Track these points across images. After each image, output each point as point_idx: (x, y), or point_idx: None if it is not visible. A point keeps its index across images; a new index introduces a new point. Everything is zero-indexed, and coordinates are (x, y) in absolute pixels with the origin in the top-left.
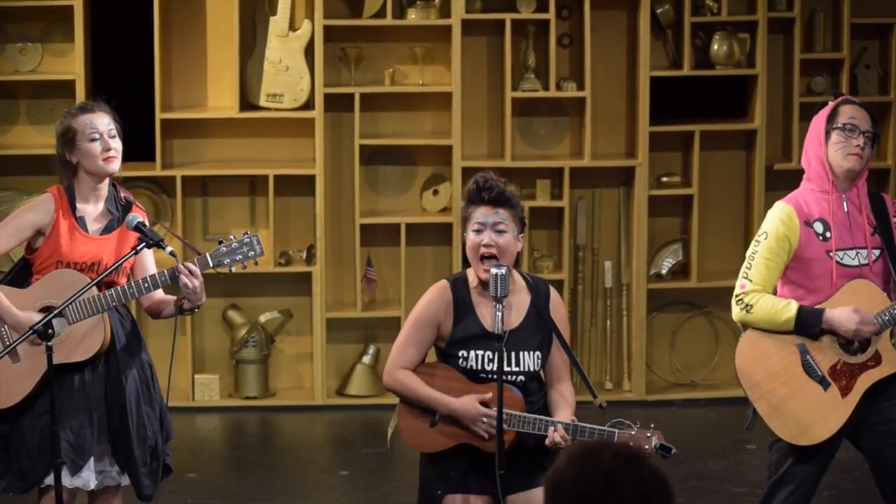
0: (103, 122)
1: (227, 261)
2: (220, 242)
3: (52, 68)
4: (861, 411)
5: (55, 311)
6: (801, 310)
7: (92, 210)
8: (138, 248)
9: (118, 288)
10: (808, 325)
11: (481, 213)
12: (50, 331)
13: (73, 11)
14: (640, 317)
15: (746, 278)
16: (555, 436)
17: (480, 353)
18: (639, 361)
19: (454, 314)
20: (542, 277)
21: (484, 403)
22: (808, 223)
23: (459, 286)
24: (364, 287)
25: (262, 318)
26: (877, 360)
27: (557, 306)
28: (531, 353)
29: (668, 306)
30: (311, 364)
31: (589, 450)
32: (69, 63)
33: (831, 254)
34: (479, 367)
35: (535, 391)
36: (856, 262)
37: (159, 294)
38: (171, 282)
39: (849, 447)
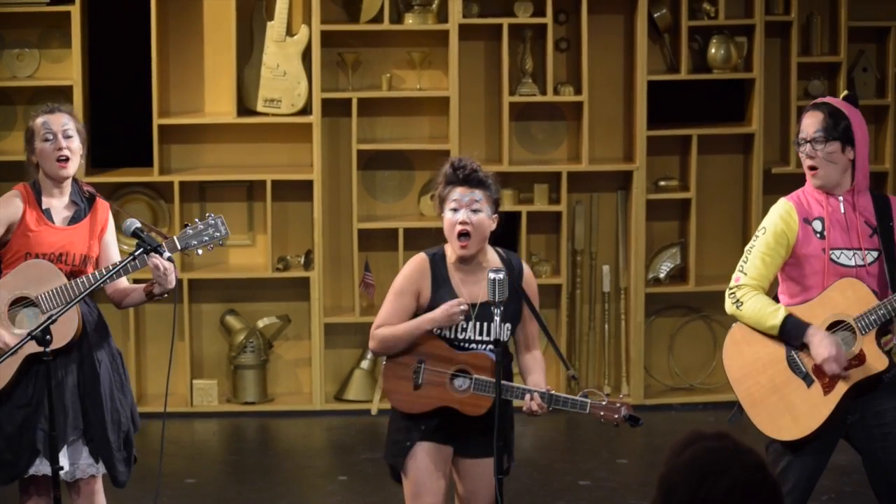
0: (59, 122)
1: (194, 242)
2: (186, 225)
3: (50, 74)
4: (856, 412)
5: (50, 319)
6: (786, 320)
7: (57, 203)
8: (136, 253)
9: (89, 275)
10: (791, 336)
11: (458, 193)
12: (48, 336)
13: (71, 17)
14: (638, 321)
15: (742, 272)
16: (531, 404)
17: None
18: (637, 365)
19: (432, 285)
20: (515, 254)
21: (462, 370)
22: (807, 220)
23: (437, 260)
24: (362, 292)
25: (261, 324)
26: (860, 359)
27: (530, 281)
28: (502, 324)
29: (666, 310)
30: (310, 369)
31: (709, 471)
32: (66, 69)
33: (826, 251)
34: (453, 336)
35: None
36: (852, 263)
37: (123, 282)
38: (141, 266)
39: (846, 450)
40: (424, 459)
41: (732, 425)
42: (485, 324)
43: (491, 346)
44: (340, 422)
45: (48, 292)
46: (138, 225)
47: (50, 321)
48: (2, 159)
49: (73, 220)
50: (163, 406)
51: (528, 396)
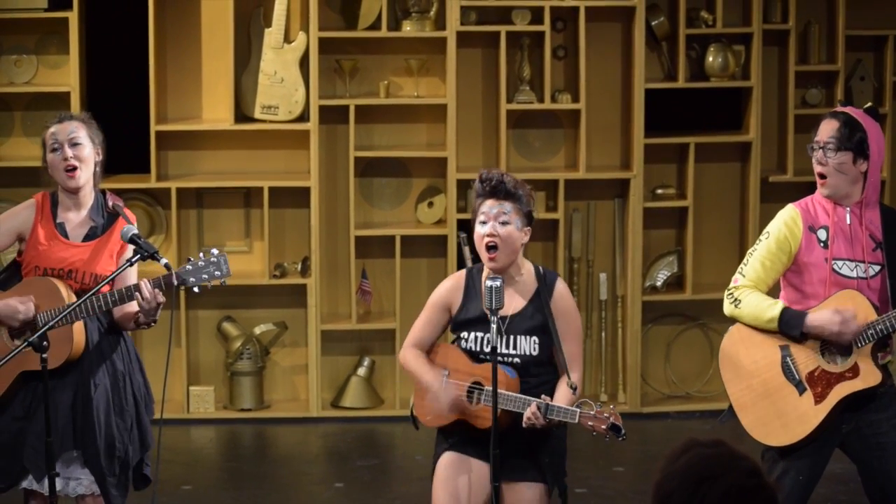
0: (66, 130)
1: (192, 279)
2: (189, 260)
3: (47, 80)
4: (851, 422)
5: (48, 325)
6: (784, 311)
7: (73, 217)
8: (133, 259)
9: (88, 300)
10: (790, 326)
11: (487, 206)
12: (45, 342)
13: (69, 23)
14: (635, 329)
15: (741, 273)
16: (527, 412)
17: (480, 335)
18: (634, 373)
19: (463, 298)
20: (553, 271)
21: (478, 382)
22: (811, 229)
23: (474, 274)
24: (359, 299)
25: (257, 330)
26: (855, 371)
27: (561, 298)
28: (528, 337)
29: (662, 318)
30: (306, 376)
31: (704, 476)
32: (64, 75)
33: (829, 261)
34: (479, 349)
35: (537, 375)
36: (854, 275)
37: (129, 307)
38: (128, 299)
39: (842, 459)
40: (443, 470)
41: (723, 426)
42: (511, 337)
43: (517, 360)
44: (337, 429)
45: (48, 311)
46: (136, 231)
47: (46, 328)
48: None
49: (89, 236)
50: (159, 412)
51: (532, 406)
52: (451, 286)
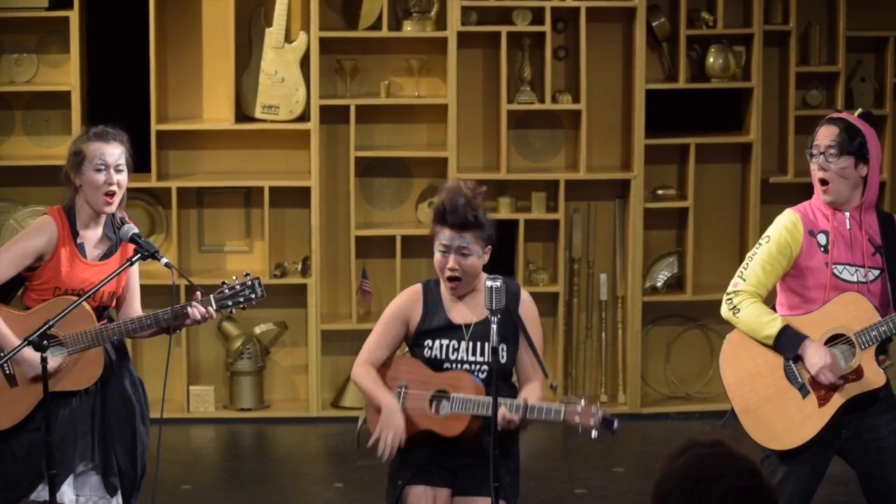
0: (114, 154)
1: (229, 303)
2: (224, 283)
3: (48, 79)
4: (850, 428)
5: (47, 326)
6: (782, 331)
7: (91, 235)
8: (133, 259)
9: (120, 323)
10: (786, 348)
11: (446, 236)
12: (45, 342)
13: (70, 22)
14: (635, 330)
15: (741, 277)
16: (502, 411)
17: (445, 342)
18: (634, 374)
19: (423, 310)
20: (514, 280)
21: (442, 390)
22: (812, 233)
23: (432, 287)
24: (359, 299)
25: (258, 330)
26: (858, 374)
27: (527, 306)
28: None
29: (663, 319)
30: (306, 376)
31: (703, 476)
32: (65, 74)
33: (829, 266)
34: (444, 357)
35: (502, 389)
36: (854, 279)
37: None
38: (174, 319)
39: (842, 460)
40: None
41: (725, 430)
42: (477, 343)
43: (484, 367)
44: (337, 429)
45: (75, 333)
46: (136, 231)
47: (47, 326)
48: (0, 164)
49: (105, 255)
50: (159, 412)
51: (502, 408)
52: (407, 299)
